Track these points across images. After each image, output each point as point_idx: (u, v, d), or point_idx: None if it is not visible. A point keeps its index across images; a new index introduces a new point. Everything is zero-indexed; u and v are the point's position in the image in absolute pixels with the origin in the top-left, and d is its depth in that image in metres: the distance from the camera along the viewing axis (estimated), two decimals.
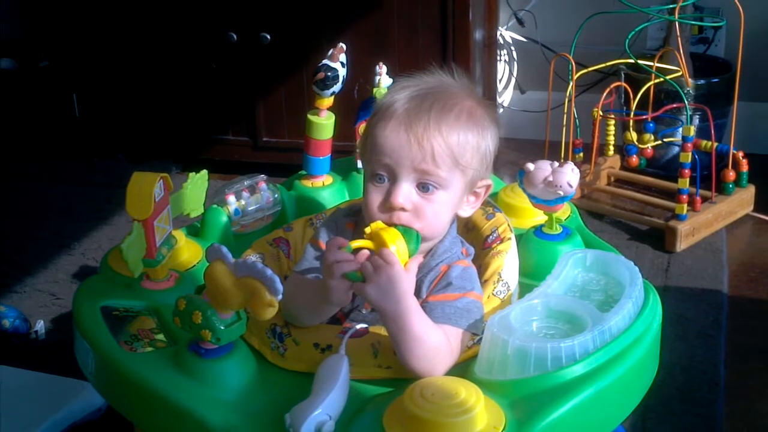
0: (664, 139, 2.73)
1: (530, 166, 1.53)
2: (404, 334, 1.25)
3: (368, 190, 1.36)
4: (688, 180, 2.46)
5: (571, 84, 2.61)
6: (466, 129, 1.35)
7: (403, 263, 1.27)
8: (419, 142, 1.32)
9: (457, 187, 1.36)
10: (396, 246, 1.27)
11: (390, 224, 1.33)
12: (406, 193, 1.33)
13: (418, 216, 1.34)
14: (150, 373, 1.27)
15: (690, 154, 2.45)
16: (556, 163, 1.52)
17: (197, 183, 1.59)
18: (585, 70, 2.71)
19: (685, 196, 2.47)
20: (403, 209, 1.33)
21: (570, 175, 1.49)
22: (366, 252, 1.28)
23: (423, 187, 1.34)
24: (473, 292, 1.35)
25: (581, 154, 2.77)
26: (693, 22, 2.83)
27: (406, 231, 1.32)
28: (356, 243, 1.28)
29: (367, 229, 1.31)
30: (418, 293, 1.35)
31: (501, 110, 3.25)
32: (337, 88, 1.80)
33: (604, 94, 2.67)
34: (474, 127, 1.36)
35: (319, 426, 1.14)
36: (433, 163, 1.32)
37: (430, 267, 1.38)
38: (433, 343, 1.27)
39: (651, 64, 2.67)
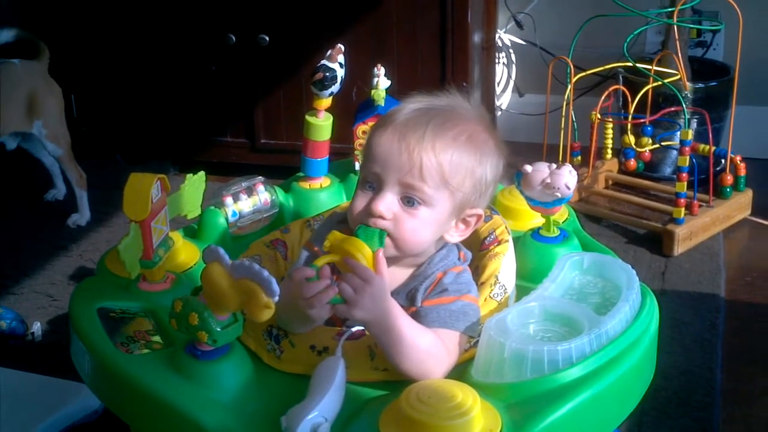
0: (662, 143, 2.73)
1: (528, 168, 1.52)
2: (393, 339, 1.25)
3: (356, 195, 1.35)
4: (685, 184, 2.46)
5: (569, 87, 2.62)
6: (461, 150, 1.32)
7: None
8: (409, 153, 1.30)
9: (443, 207, 1.33)
10: (362, 255, 1.25)
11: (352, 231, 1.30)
12: (388, 202, 1.31)
13: (396, 227, 1.31)
14: (146, 374, 1.27)
15: (688, 157, 2.45)
16: (554, 165, 1.51)
17: (195, 184, 1.59)
18: (583, 74, 2.71)
19: (682, 200, 2.47)
20: (381, 217, 1.31)
21: (567, 177, 1.49)
22: (328, 270, 1.25)
23: (408, 201, 1.31)
24: (468, 295, 1.35)
25: (579, 158, 2.77)
26: (691, 26, 2.83)
27: (367, 231, 1.29)
28: (321, 261, 1.26)
29: (327, 243, 1.27)
30: (413, 301, 1.35)
31: (499, 113, 3.25)
32: (335, 88, 1.79)
33: (603, 97, 2.67)
34: (472, 151, 1.33)
35: (315, 428, 1.13)
36: (419, 177, 1.30)
37: (426, 275, 1.37)
38: (424, 347, 1.26)
39: (649, 67, 2.67)
